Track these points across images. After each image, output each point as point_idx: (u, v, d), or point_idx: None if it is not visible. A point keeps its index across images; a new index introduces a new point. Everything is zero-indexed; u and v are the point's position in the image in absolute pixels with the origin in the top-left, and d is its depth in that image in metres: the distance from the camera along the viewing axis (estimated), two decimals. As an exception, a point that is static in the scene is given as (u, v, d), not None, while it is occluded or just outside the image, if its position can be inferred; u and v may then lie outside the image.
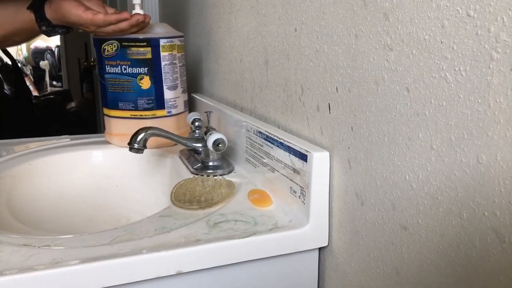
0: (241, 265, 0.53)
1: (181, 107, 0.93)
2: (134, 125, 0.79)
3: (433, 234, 0.40)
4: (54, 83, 5.39)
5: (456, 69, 0.36)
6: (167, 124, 0.88)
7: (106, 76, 0.89)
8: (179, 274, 0.49)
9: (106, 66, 0.88)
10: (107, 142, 0.94)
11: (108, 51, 0.87)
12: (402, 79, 0.42)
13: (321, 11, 0.54)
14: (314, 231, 0.55)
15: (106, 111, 0.92)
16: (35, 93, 4.36)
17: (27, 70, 5.40)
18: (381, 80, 0.45)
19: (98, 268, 0.46)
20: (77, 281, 0.45)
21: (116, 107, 0.90)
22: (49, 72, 5.37)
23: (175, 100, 0.91)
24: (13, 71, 2.81)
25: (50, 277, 0.44)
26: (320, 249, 0.58)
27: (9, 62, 2.91)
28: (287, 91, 0.65)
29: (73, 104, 3.25)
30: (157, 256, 0.48)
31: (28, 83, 3.53)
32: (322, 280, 0.60)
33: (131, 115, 0.89)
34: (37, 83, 5.23)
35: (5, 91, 2.70)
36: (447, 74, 0.37)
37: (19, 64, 3.67)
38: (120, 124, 0.90)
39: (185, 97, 0.96)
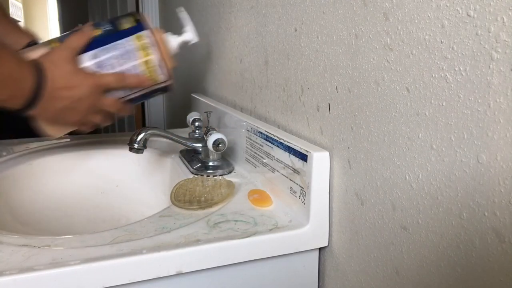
0: (241, 265, 0.53)
1: None
2: None
3: (433, 234, 0.40)
4: (54, 83, 5.37)
5: (456, 69, 0.36)
6: None
7: None
8: (179, 274, 0.49)
9: None
10: (107, 142, 0.94)
11: None
12: (402, 79, 0.42)
13: (321, 11, 0.54)
14: (314, 231, 0.55)
15: None
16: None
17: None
18: (381, 80, 0.45)
19: (98, 268, 0.46)
20: (77, 281, 0.45)
21: None
22: (49, 72, 5.36)
23: None
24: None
25: (50, 277, 0.44)
26: (320, 249, 0.58)
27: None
28: (287, 91, 0.65)
29: (73, 104, 3.24)
30: (157, 256, 0.48)
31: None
32: (322, 280, 0.60)
33: None
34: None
35: (5, 91, 2.69)
36: (447, 74, 0.37)
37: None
38: None
39: None
